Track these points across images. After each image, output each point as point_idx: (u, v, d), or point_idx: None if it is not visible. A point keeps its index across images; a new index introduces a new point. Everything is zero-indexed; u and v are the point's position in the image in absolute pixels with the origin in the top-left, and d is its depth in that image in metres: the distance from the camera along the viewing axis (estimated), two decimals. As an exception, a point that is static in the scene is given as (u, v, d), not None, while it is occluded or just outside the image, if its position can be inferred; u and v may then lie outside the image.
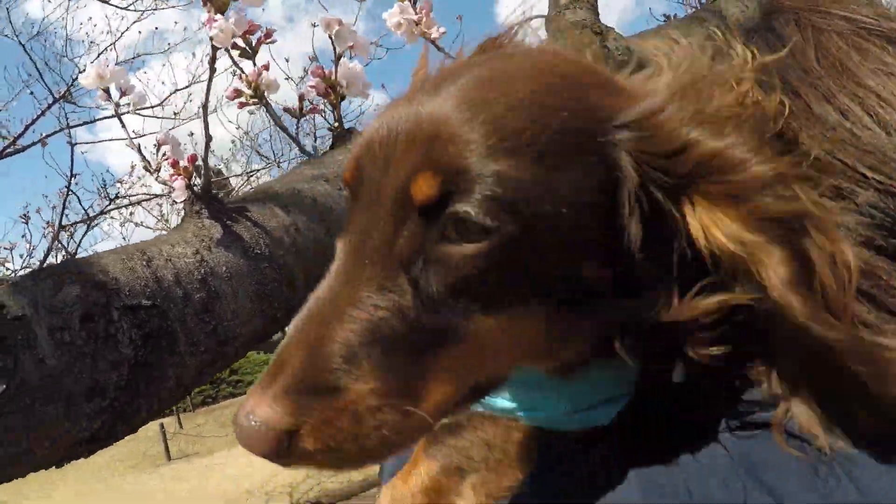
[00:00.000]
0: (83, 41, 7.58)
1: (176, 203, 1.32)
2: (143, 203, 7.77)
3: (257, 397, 0.60)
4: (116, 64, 7.59)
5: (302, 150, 1.67)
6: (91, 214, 6.40)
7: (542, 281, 0.64)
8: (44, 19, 7.36)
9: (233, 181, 7.87)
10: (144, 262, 1.20)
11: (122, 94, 1.58)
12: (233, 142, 8.37)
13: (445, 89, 0.67)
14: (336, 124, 1.59)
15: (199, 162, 1.34)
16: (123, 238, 7.41)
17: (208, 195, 1.33)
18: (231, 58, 1.71)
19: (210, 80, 1.21)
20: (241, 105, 1.56)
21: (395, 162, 0.65)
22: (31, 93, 6.85)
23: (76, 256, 5.45)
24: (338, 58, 1.52)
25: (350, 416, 0.60)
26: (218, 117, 8.00)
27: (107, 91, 1.57)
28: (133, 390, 1.12)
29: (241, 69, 1.70)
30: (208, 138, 1.28)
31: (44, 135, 6.35)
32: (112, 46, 7.45)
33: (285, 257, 1.33)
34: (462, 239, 0.62)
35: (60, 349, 1.06)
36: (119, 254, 1.21)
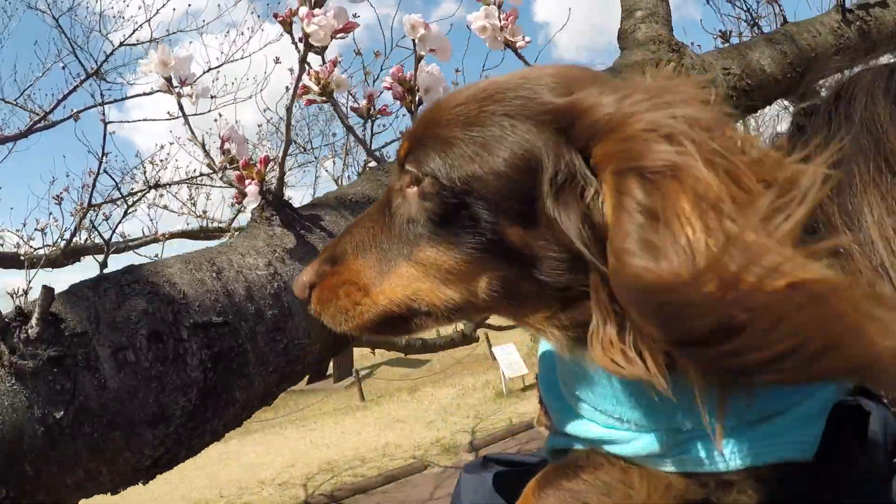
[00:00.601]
0: (114, 17, 7.41)
1: (244, 208, 1.21)
2: (169, 186, 7.63)
3: (307, 266, 0.90)
4: (151, 41, 7.48)
5: (371, 154, 1.56)
6: (124, 195, 6.31)
7: (467, 230, 0.77)
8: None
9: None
10: (214, 274, 1.10)
11: (183, 83, 1.48)
12: (259, 125, 8.20)
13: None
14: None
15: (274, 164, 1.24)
16: (151, 220, 7.26)
17: (280, 200, 1.23)
18: (298, 51, 1.62)
19: (298, 79, 1.10)
20: (309, 102, 1.45)
21: None
22: (64, 67, 6.70)
23: (111, 241, 5.35)
24: (418, 60, 1.41)
25: (335, 281, 0.87)
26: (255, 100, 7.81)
27: (168, 80, 1.46)
28: (200, 416, 1.02)
29: (308, 64, 1.61)
30: (288, 141, 1.17)
31: (74, 110, 6.25)
32: (147, 23, 7.27)
33: (360, 270, 1.24)
34: (412, 184, 0.81)
35: (124, 371, 0.96)
36: (185, 263, 1.11)
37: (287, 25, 1.52)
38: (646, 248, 0.60)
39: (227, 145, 1.46)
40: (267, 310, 1.12)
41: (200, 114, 1.49)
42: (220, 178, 1.37)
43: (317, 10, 1.02)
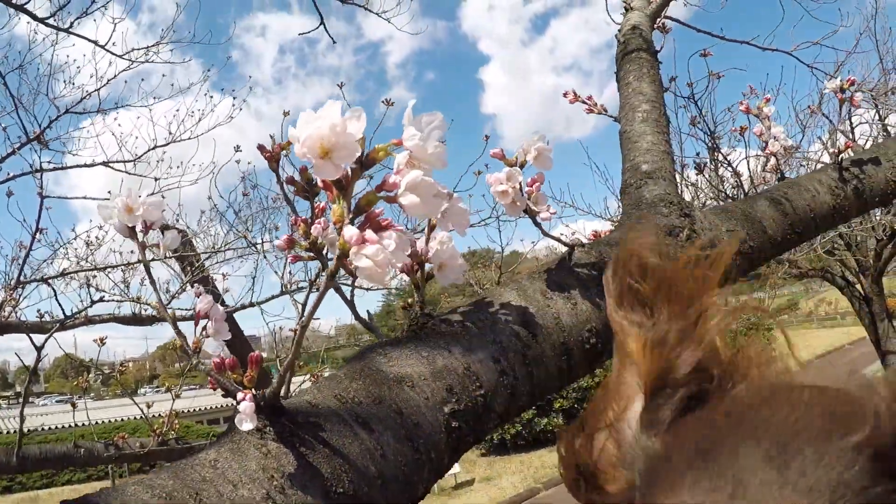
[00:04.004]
0: (65, 81, 7.18)
1: (239, 415, 1.01)
2: (105, 269, 7.31)
3: None
4: (99, 111, 7.18)
5: (361, 321, 1.39)
6: (47, 278, 6.01)
7: None
8: (29, 50, 6.97)
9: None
10: (203, 519, 0.90)
11: (148, 227, 1.25)
12: (202, 211, 7.97)
13: None
14: (411, 304, 1.31)
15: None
16: (81, 301, 6.82)
17: (275, 407, 1.04)
18: (284, 193, 1.43)
19: (320, 297, 0.92)
20: (295, 259, 1.28)
21: None
22: (5, 128, 6.37)
23: (38, 320, 5.01)
24: (430, 229, 1.26)
25: None
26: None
27: (132, 229, 1.24)
28: None
29: (294, 210, 1.42)
30: (296, 355, 0.99)
31: (11, 174, 5.96)
32: (97, 92, 7.03)
33: (370, 493, 1.03)
34: None
35: None
36: (167, 501, 0.91)
37: (274, 164, 1.30)
38: None
39: (202, 324, 1.28)
40: (267, 562, 0.92)
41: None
42: (195, 366, 1.18)
43: (369, 235, 0.83)
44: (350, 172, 0.86)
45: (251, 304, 6.73)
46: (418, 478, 1.12)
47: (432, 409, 1.16)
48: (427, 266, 1.29)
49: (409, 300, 1.33)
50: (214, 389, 1.12)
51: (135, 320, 6.90)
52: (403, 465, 1.10)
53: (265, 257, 6.38)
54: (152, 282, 1.30)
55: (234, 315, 6.51)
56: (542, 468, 15.70)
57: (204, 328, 1.25)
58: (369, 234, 0.82)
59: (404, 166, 0.86)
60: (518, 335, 1.28)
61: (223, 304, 6.58)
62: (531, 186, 1.29)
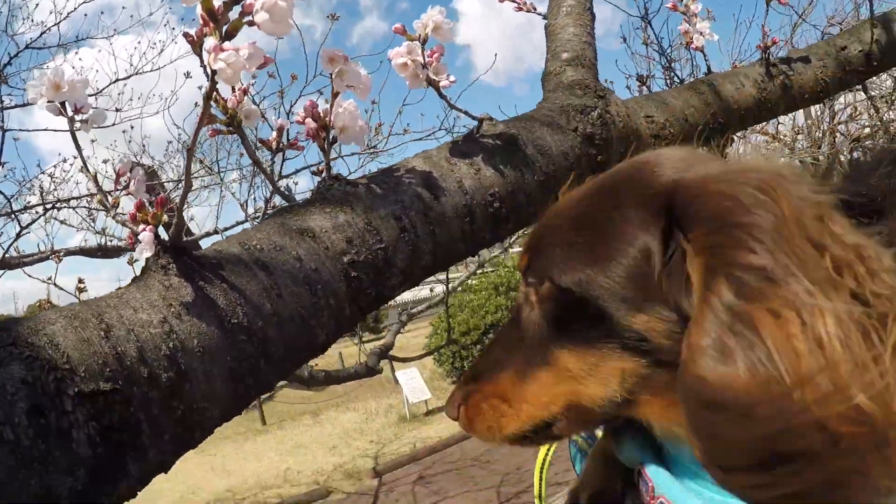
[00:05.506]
0: (23, 19, 7.08)
1: (137, 260, 1.10)
2: (70, 201, 7.27)
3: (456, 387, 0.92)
4: (59, 45, 7.12)
5: (278, 191, 1.47)
6: (16, 210, 6.01)
7: (593, 327, 0.76)
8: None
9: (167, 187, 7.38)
10: (102, 333, 0.99)
11: (77, 110, 1.34)
12: (169, 142, 7.92)
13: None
14: (322, 170, 1.40)
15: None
16: (47, 235, 6.90)
17: (178, 247, 1.13)
18: (206, 73, 1.50)
19: (201, 123, 1.00)
20: (214, 133, 1.35)
21: None
22: None
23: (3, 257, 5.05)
24: (334, 96, 1.33)
25: (479, 398, 0.87)
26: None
27: (62, 104, 1.32)
28: (91, 496, 0.91)
29: (218, 92, 1.50)
30: (188, 185, 1.08)
31: None
32: (56, 26, 6.94)
33: (265, 328, 1.13)
34: (535, 293, 0.83)
35: (2, 451, 0.84)
36: (70, 319, 0.99)
37: (197, 47, 1.40)
38: (721, 351, 0.58)
39: (122, 179, 1.35)
40: (161, 373, 1.01)
41: (106, 126, 1.33)
42: (113, 218, 1.26)
43: (227, 45, 0.93)
44: (223, 7, 0.94)
45: (215, 232, 6.79)
46: (317, 322, 1.21)
47: (332, 259, 1.25)
48: (332, 133, 1.37)
49: (319, 167, 1.41)
50: (133, 246, 1.20)
51: (102, 251, 6.94)
52: (301, 306, 1.19)
53: (225, 186, 6.39)
54: (79, 151, 1.37)
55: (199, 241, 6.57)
56: (512, 396, 15.97)
57: (125, 186, 1.33)
58: (227, 44, 0.90)
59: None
60: (420, 196, 1.37)
61: (189, 233, 6.63)
62: (431, 57, 1.37)
